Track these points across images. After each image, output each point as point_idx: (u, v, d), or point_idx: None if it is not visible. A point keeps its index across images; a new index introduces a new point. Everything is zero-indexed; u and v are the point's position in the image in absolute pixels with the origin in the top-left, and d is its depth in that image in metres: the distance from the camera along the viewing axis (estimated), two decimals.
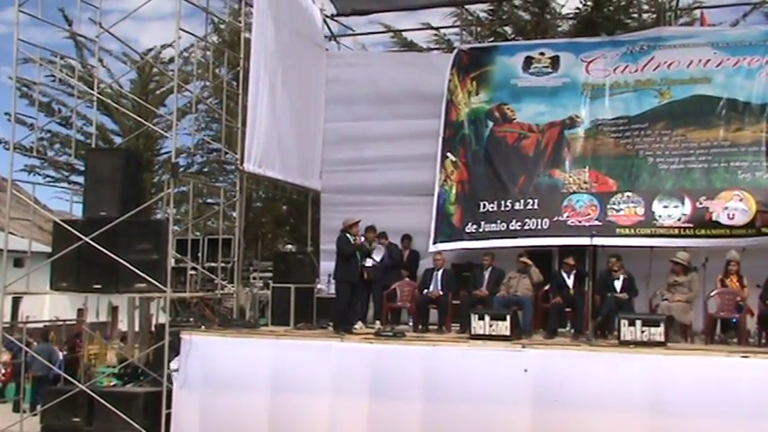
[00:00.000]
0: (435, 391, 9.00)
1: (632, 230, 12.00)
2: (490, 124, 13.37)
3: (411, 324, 11.62)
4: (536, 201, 12.61)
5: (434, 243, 12.82)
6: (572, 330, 10.57)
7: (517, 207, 12.66)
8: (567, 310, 10.72)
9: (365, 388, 9.27)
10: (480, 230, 12.76)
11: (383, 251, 11.90)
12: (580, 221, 12.23)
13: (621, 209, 12.14)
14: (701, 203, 11.75)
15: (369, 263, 11.70)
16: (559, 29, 16.63)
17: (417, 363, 9.24)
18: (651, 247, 11.79)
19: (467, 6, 15.57)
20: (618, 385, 8.45)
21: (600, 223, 12.07)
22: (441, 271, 11.66)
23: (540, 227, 12.41)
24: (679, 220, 11.81)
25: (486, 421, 8.75)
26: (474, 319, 9.59)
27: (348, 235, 10.88)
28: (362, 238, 11.20)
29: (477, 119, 13.45)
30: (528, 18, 16.71)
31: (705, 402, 8.09)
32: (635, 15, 16.23)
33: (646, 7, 16.07)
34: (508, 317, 9.50)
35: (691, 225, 11.73)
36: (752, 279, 10.36)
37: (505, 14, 16.83)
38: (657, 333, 8.95)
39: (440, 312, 11.42)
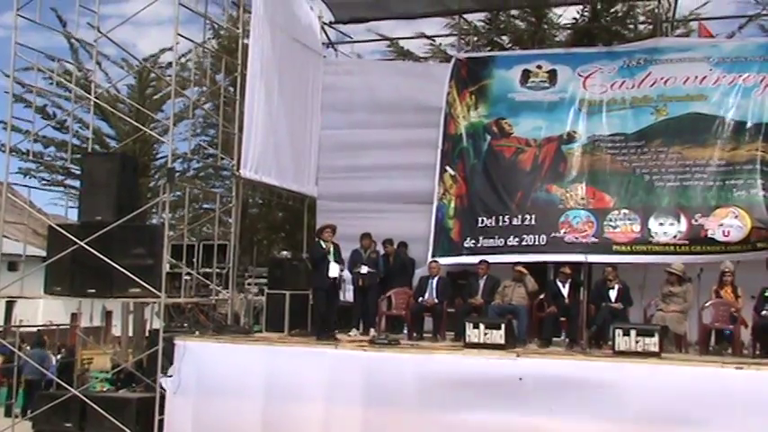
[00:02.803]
0: (429, 400, 8.98)
1: (628, 248, 12.09)
2: (488, 138, 13.44)
3: (406, 332, 11.60)
4: (533, 216, 12.70)
5: (433, 256, 12.83)
6: (567, 340, 10.57)
7: (515, 222, 12.78)
8: (562, 319, 10.73)
9: (359, 395, 9.25)
10: (479, 245, 12.87)
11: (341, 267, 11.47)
12: (577, 238, 12.34)
13: (618, 226, 12.24)
14: (696, 221, 11.87)
15: (364, 270, 11.70)
16: (556, 39, 16.67)
17: (411, 370, 9.23)
18: (647, 263, 11.84)
19: (464, 15, 15.58)
20: (612, 395, 8.45)
21: (596, 240, 12.19)
22: (436, 279, 11.63)
23: (537, 243, 12.53)
24: (675, 237, 11.93)
25: (480, 430, 8.74)
26: (469, 327, 9.58)
27: (321, 240, 10.87)
28: (326, 244, 10.95)
29: (476, 133, 13.53)
30: (525, 28, 16.74)
31: (699, 413, 8.08)
32: (632, 26, 16.28)
33: (642, 18, 16.12)
34: (503, 325, 9.49)
35: (686, 242, 11.84)
36: (746, 290, 10.39)
37: (503, 24, 16.87)
38: (652, 343, 8.94)
39: (434, 320, 11.40)
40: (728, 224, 11.65)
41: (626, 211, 12.29)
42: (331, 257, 10.94)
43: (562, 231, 12.47)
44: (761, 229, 11.44)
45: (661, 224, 12.05)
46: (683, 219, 11.95)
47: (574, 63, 13.35)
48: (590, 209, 12.50)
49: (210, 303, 12.91)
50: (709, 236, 11.72)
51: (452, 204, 13.41)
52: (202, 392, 9.90)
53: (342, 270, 11.19)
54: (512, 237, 12.68)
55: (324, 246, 10.90)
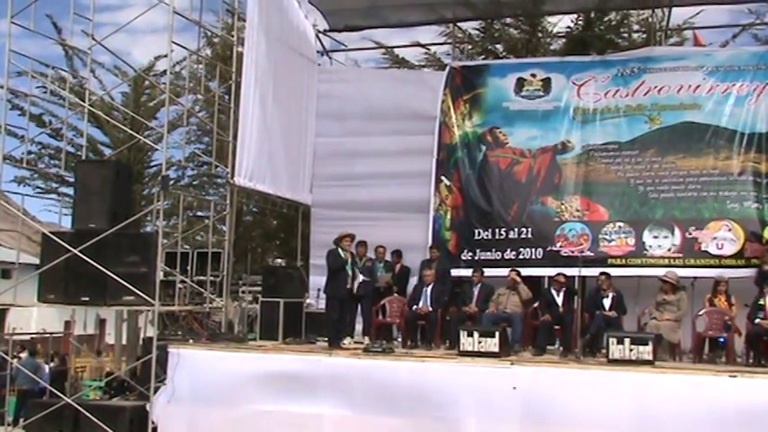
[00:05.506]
0: (424, 408, 8.96)
1: (623, 261, 12.14)
2: (483, 148, 13.48)
3: (400, 340, 11.59)
4: (530, 229, 12.78)
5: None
6: (561, 348, 10.59)
7: (511, 236, 12.87)
8: (556, 327, 10.73)
9: (354, 403, 9.23)
10: (476, 258, 12.89)
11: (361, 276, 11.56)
12: (573, 252, 12.35)
13: (613, 239, 12.31)
14: (690, 234, 11.93)
15: (359, 278, 11.67)
16: (551, 47, 16.71)
17: (406, 378, 9.21)
18: (641, 276, 11.87)
19: (458, 24, 15.63)
20: (606, 403, 8.44)
21: (592, 254, 12.24)
22: (430, 287, 11.62)
23: (534, 256, 12.60)
24: (669, 250, 12.02)
25: None
26: (463, 335, 9.57)
27: (340, 249, 10.86)
28: (345, 253, 10.96)
29: (471, 143, 13.57)
30: (519, 36, 16.79)
31: (692, 421, 8.08)
32: (626, 35, 16.34)
33: (636, 27, 16.18)
34: (497, 333, 9.49)
35: (680, 255, 11.90)
36: (740, 299, 10.41)
37: (497, 32, 16.90)
38: (646, 351, 8.95)
39: (429, 328, 11.38)
40: (722, 237, 11.75)
41: (621, 224, 12.34)
42: (349, 267, 10.92)
43: (558, 245, 12.55)
44: (753, 242, 11.49)
45: (655, 237, 12.12)
46: (677, 231, 12.03)
47: (568, 71, 13.38)
48: (585, 221, 12.56)
49: (204, 311, 12.89)
50: (703, 249, 11.80)
51: (449, 216, 13.46)
52: (196, 400, 9.86)
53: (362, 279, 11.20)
54: (508, 250, 12.78)
55: (343, 255, 10.86)
